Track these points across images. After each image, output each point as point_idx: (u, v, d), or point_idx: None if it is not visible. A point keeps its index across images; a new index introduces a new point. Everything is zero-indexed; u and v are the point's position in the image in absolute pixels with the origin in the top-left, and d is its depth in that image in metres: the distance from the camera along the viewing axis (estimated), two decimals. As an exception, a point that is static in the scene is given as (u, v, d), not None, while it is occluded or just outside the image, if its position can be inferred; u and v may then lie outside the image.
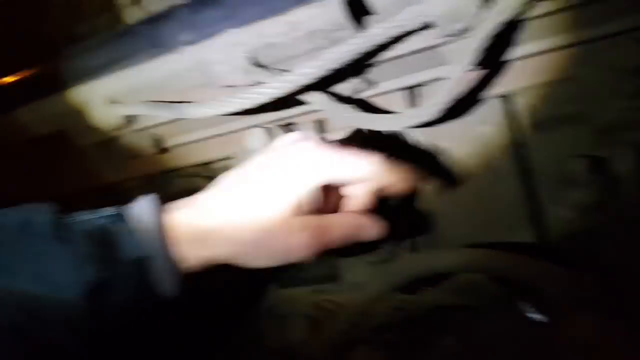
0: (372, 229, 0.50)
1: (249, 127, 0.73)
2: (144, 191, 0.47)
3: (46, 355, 0.41)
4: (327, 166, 0.45)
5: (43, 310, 0.40)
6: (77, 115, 0.71)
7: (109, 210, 0.45)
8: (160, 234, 0.43)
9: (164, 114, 0.62)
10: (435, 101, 0.49)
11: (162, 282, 0.44)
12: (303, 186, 0.45)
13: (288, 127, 0.65)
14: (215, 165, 0.86)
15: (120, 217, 0.45)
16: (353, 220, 0.50)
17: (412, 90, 0.60)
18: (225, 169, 0.84)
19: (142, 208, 0.45)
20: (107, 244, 0.43)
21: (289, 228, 0.45)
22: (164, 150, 0.79)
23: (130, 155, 0.80)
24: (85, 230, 0.43)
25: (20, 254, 0.41)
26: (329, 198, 0.49)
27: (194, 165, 0.85)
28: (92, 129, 0.73)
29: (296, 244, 0.46)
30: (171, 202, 0.47)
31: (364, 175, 0.47)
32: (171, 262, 0.44)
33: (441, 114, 0.53)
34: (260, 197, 0.45)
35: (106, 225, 0.44)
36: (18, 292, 0.40)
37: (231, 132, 0.74)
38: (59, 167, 0.86)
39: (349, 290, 0.62)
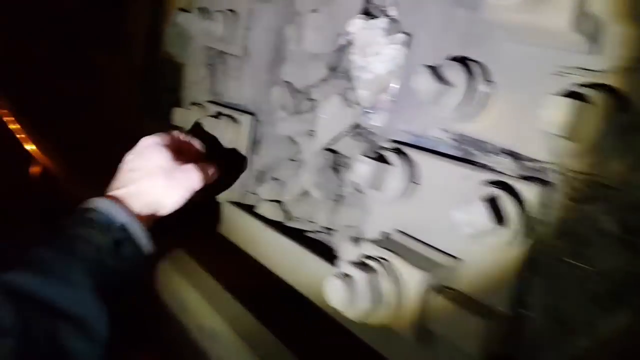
0: (210, 165, 0.85)
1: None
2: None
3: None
4: (162, 139, 0.83)
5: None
6: None
7: (74, 216, 0.76)
8: (122, 206, 0.76)
9: None
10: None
11: (141, 240, 0.76)
12: (163, 151, 0.81)
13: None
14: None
15: (89, 211, 0.75)
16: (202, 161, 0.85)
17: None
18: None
19: (94, 200, 0.76)
20: (93, 223, 0.74)
21: (178, 168, 0.80)
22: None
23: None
24: (70, 225, 0.75)
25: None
26: (184, 158, 0.82)
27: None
28: None
29: (189, 175, 0.80)
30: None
31: (178, 140, 0.86)
32: (139, 223, 0.76)
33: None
34: (151, 167, 0.80)
35: (82, 216, 0.75)
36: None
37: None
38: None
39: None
